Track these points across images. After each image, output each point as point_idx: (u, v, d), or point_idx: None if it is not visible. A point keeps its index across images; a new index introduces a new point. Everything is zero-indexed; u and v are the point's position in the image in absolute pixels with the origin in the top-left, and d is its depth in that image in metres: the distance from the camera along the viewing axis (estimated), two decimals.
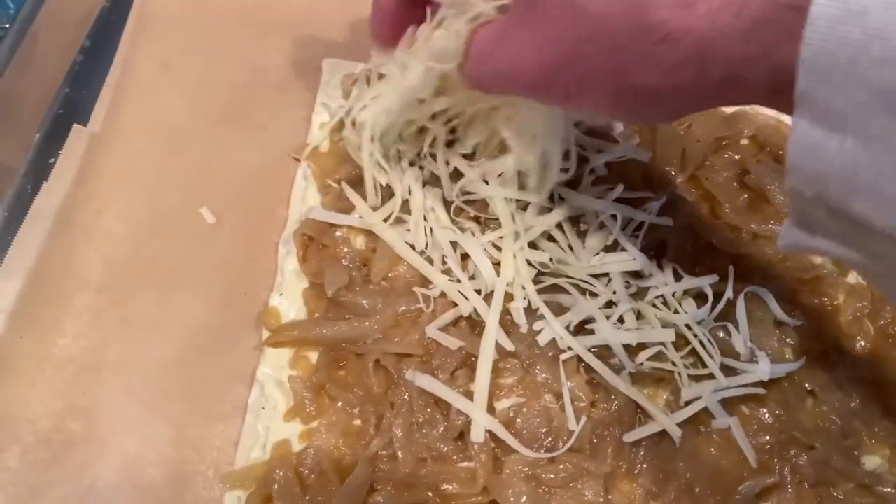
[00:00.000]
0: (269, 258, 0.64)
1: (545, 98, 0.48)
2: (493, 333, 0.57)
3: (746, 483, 0.55)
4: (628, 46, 0.39)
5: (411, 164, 0.66)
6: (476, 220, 0.64)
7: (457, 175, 0.66)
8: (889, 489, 0.56)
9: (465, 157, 0.66)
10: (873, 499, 0.56)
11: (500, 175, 0.62)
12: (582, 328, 0.60)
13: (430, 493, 0.53)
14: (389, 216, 0.63)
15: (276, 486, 0.51)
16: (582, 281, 0.61)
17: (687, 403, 0.57)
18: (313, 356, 0.58)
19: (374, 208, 0.64)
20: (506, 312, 0.60)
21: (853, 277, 0.65)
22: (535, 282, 0.61)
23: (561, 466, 0.54)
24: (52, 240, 0.62)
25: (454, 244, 0.62)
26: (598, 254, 0.62)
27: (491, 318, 0.58)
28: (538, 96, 0.48)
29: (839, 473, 0.56)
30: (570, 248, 0.63)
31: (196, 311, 0.61)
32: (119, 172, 0.67)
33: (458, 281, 0.60)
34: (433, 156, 0.66)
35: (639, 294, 0.61)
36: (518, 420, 0.56)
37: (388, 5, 0.58)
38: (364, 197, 0.64)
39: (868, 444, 0.58)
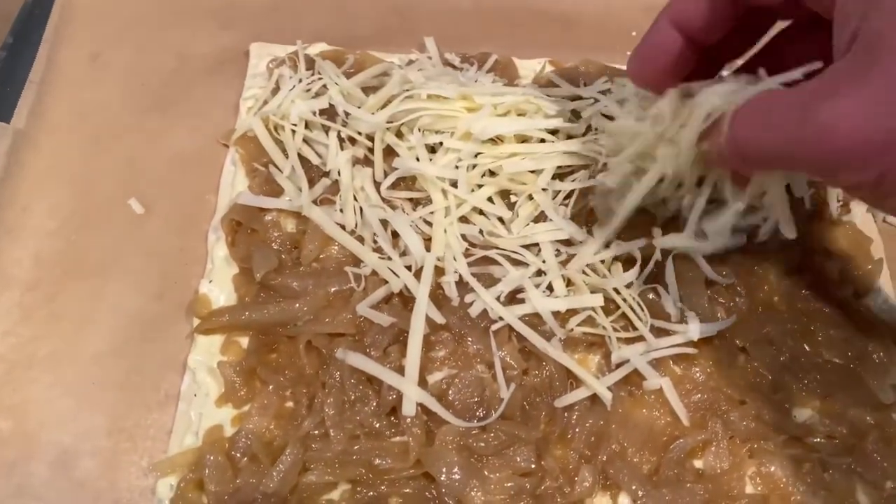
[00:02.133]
0: (199, 246, 0.64)
1: (848, 176, 0.40)
2: (423, 307, 0.57)
3: (678, 441, 0.56)
4: None
5: (341, 141, 0.66)
6: (409, 198, 0.65)
7: (389, 153, 0.66)
8: (819, 439, 0.57)
9: (398, 136, 0.66)
10: (804, 449, 0.57)
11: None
12: (513, 298, 0.60)
13: (362, 470, 0.53)
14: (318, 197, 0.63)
15: (207, 471, 0.52)
16: (513, 252, 0.61)
17: (618, 366, 0.58)
18: (244, 341, 0.58)
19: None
20: (438, 287, 0.60)
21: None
22: (467, 255, 0.61)
23: (492, 434, 0.54)
24: None
25: (384, 222, 0.62)
26: (528, 224, 0.63)
27: (421, 292, 0.58)
28: (838, 174, 0.40)
29: (770, 427, 0.57)
30: (501, 220, 0.63)
31: (128, 303, 0.61)
32: (45, 168, 0.66)
33: (389, 258, 0.60)
34: (369, 136, 0.66)
35: (569, 261, 0.61)
36: (450, 391, 0.56)
37: (668, 45, 0.52)
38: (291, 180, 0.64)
39: (798, 397, 0.59)
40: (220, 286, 0.61)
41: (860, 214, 0.67)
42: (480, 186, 0.64)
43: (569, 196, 0.64)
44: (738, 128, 0.44)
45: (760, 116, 0.43)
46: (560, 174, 0.66)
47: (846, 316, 0.61)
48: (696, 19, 0.51)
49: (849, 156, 0.38)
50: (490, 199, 0.64)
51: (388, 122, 0.65)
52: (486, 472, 0.53)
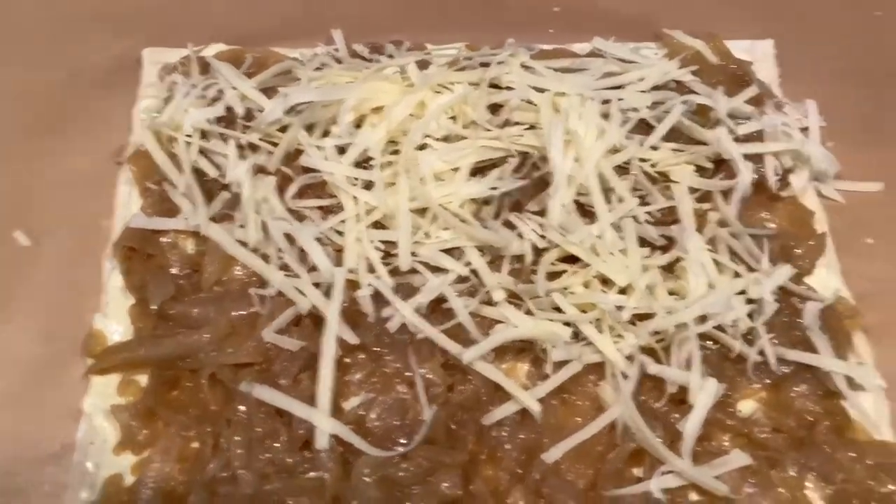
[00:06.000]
0: (95, 277, 0.59)
1: None
2: (333, 328, 0.53)
3: (616, 450, 0.52)
4: None
5: (240, 148, 0.61)
6: (319, 207, 0.60)
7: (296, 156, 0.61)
8: (766, 434, 0.53)
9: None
10: (751, 446, 0.53)
11: None
12: (437, 308, 0.56)
13: None
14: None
15: None
16: (431, 259, 0.57)
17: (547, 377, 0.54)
18: (144, 379, 0.54)
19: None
20: (353, 303, 0.56)
21: None
22: (383, 265, 0.57)
23: (413, 462, 0.50)
24: None
25: (291, 237, 0.57)
26: (447, 228, 0.58)
27: (331, 311, 0.53)
28: None
29: (714, 425, 0.53)
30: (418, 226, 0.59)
31: (15, 346, 0.56)
32: None
33: (298, 276, 0.56)
34: (270, 142, 0.61)
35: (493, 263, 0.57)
36: (371, 416, 0.52)
37: None
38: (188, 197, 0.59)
39: (744, 389, 0.55)
40: (116, 319, 0.56)
41: (800, 187, 0.63)
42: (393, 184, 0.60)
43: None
44: None
45: None
46: (481, 167, 0.61)
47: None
48: None
49: None
50: None
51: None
52: None
